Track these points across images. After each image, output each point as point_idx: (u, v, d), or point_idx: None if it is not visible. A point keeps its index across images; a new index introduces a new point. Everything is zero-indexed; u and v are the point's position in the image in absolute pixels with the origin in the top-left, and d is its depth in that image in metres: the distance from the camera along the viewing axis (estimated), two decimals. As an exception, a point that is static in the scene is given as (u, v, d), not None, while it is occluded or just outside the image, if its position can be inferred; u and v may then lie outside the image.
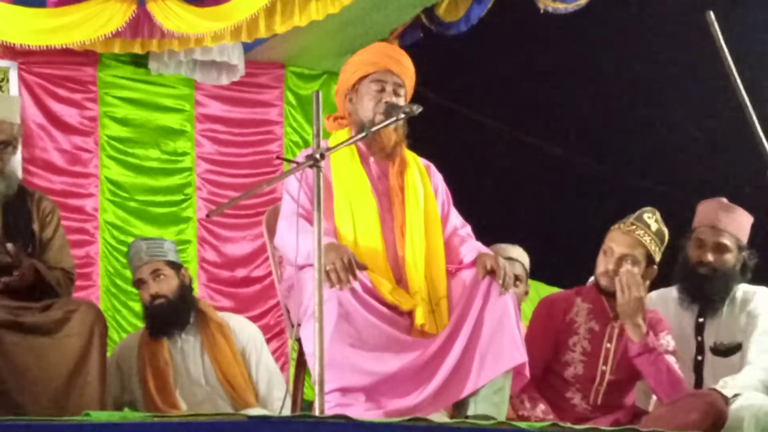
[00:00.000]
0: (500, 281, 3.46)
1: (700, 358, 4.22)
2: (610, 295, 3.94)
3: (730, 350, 4.16)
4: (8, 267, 3.90)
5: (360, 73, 3.74)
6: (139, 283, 4.47)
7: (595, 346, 3.98)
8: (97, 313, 3.96)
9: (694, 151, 7.52)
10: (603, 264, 3.97)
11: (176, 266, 4.50)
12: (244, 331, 4.54)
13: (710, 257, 4.16)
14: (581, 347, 3.98)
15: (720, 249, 4.17)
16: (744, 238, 4.24)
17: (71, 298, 4.11)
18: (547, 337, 4.00)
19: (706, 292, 4.19)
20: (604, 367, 3.97)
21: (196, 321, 4.46)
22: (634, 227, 3.93)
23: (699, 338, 4.22)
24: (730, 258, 4.18)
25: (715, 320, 4.24)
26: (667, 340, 3.99)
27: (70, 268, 4.17)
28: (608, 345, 3.98)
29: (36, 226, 4.10)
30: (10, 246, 3.89)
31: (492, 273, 3.47)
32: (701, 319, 4.24)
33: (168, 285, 4.42)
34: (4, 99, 4.68)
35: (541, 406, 3.89)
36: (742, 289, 4.27)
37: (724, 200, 4.25)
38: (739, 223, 4.23)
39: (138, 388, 4.39)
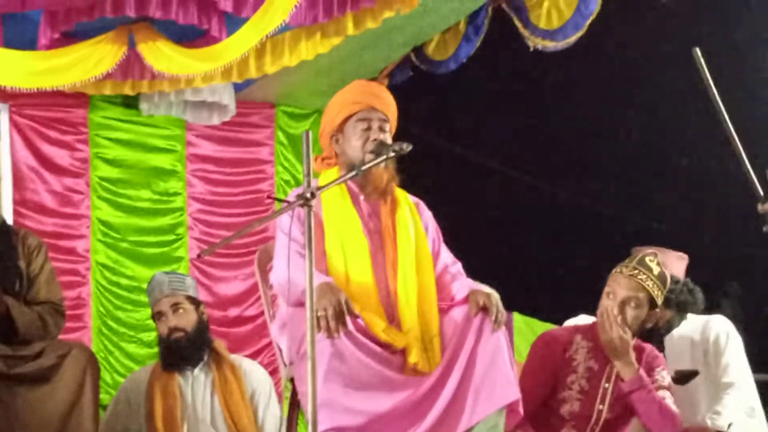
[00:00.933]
0: (493, 318, 3.45)
1: None
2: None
3: (687, 377, 4.31)
4: None
5: (344, 113, 3.75)
6: (158, 315, 4.48)
7: (592, 385, 3.97)
8: (89, 356, 3.95)
9: (686, 185, 7.55)
10: (606, 307, 3.96)
11: (196, 302, 4.52)
12: (255, 374, 4.55)
13: None
14: (579, 385, 3.97)
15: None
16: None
17: (63, 342, 4.09)
18: (544, 373, 3.99)
19: None
20: (600, 406, 3.96)
21: (209, 360, 4.46)
22: (636, 271, 3.93)
23: None
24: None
25: (670, 351, 4.32)
26: (662, 376, 4.00)
27: (59, 301, 4.16)
28: (606, 384, 3.97)
29: (22, 263, 4.09)
30: None
31: (484, 310, 3.47)
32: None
33: (187, 319, 4.44)
34: None
35: None
36: (697, 320, 4.48)
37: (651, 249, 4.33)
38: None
39: (144, 421, 4.38)
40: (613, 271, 3.99)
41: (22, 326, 3.91)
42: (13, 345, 3.89)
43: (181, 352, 4.42)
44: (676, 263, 4.50)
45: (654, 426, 3.87)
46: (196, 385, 4.42)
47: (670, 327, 4.45)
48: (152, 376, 4.44)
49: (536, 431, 3.93)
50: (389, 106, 3.79)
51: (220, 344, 4.60)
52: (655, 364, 4.02)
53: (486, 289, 4.38)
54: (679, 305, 4.42)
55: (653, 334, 4.29)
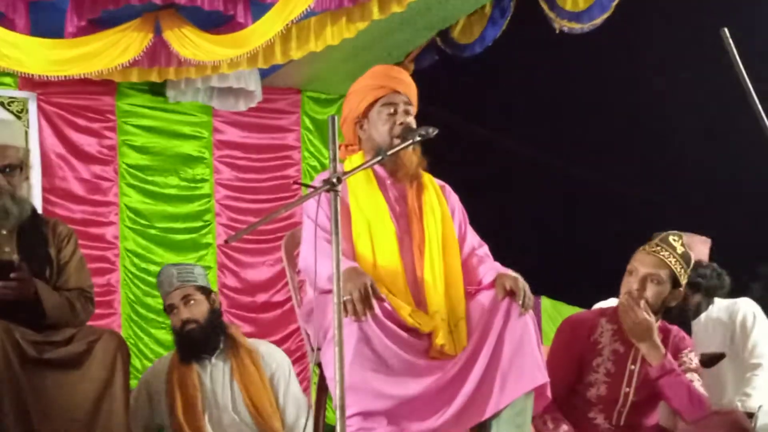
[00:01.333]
0: (520, 301, 3.45)
1: None
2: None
3: (713, 360, 4.31)
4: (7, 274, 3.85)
5: (368, 99, 3.75)
6: (170, 308, 4.49)
7: (619, 368, 3.95)
8: (119, 342, 3.96)
9: (714, 168, 7.50)
10: (627, 284, 3.95)
11: (206, 291, 4.53)
12: (274, 357, 4.55)
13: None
14: (605, 368, 3.96)
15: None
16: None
17: (93, 328, 4.11)
18: (571, 357, 3.98)
19: None
20: (627, 389, 3.94)
21: (226, 346, 4.47)
22: (659, 248, 3.92)
23: None
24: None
25: (697, 335, 4.32)
26: (690, 358, 3.97)
27: (88, 288, 4.16)
28: (632, 367, 3.96)
29: (52, 251, 4.11)
30: (16, 257, 3.91)
31: (511, 294, 3.46)
32: None
33: (199, 310, 4.44)
34: (7, 124, 4.69)
35: (564, 427, 3.87)
36: (724, 303, 4.48)
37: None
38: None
39: (166, 413, 4.40)
40: (637, 249, 3.99)
41: (49, 309, 3.93)
42: (42, 330, 3.92)
43: (196, 343, 4.42)
44: (699, 247, 4.49)
45: (683, 409, 3.85)
46: (215, 373, 4.43)
47: (698, 311, 4.46)
48: (170, 368, 4.45)
49: (564, 416, 3.92)
50: (411, 88, 3.79)
51: (236, 330, 4.61)
52: (682, 346, 3.99)
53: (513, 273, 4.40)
54: (707, 290, 4.43)
55: (681, 317, 4.29)
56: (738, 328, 4.46)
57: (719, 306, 4.52)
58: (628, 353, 3.96)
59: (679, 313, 4.19)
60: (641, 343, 3.87)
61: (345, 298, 3.27)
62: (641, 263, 3.92)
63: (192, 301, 4.44)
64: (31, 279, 3.90)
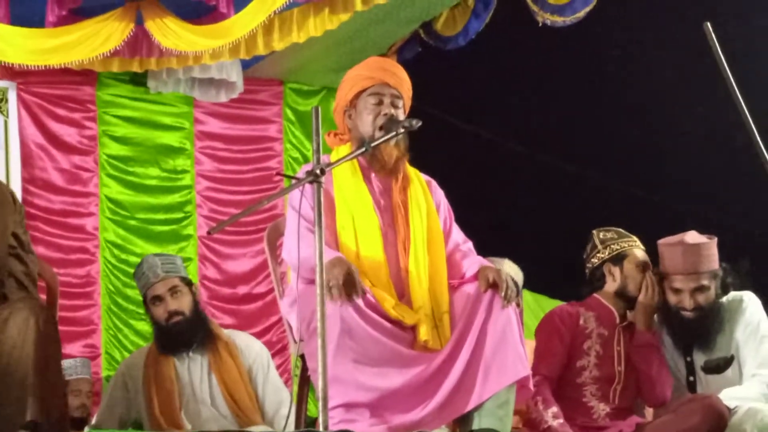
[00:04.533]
0: (502, 294, 3.45)
1: (692, 378, 4.17)
2: (621, 299, 4.21)
3: (721, 366, 4.08)
4: None
5: (357, 88, 3.74)
6: (154, 299, 4.39)
7: (607, 350, 4.16)
8: (34, 305, 3.35)
9: (693, 160, 7.52)
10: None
11: (189, 282, 4.48)
12: (251, 349, 4.50)
13: (692, 302, 4.10)
14: (595, 350, 4.16)
15: (700, 290, 4.13)
16: (716, 264, 4.16)
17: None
18: (563, 343, 4.14)
19: (698, 332, 4.15)
20: (619, 368, 4.15)
21: (204, 339, 4.41)
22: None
23: (688, 359, 4.18)
24: (711, 292, 4.12)
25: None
26: None
27: None
28: (618, 347, 4.18)
29: None
30: None
31: (494, 286, 3.46)
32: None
33: (185, 302, 4.38)
34: None
35: (554, 409, 3.97)
36: (725, 298, 4.19)
37: (687, 239, 4.14)
38: (707, 256, 4.13)
39: (143, 406, 4.36)
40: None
41: None
42: None
43: (181, 335, 4.36)
44: (716, 249, 4.30)
45: (656, 386, 4.10)
46: (193, 367, 4.37)
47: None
48: (147, 361, 4.39)
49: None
50: (403, 82, 3.77)
51: (213, 323, 4.55)
52: None
53: (509, 269, 4.46)
54: (725, 291, 4.23)
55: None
56: (744, 333, 4.10)
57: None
58: (612, 335, 4.19)
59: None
60: (648, 317, 4.14)
61: (331, 283, 3.27)
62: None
63: (178, 293, 4.39)
64: None
